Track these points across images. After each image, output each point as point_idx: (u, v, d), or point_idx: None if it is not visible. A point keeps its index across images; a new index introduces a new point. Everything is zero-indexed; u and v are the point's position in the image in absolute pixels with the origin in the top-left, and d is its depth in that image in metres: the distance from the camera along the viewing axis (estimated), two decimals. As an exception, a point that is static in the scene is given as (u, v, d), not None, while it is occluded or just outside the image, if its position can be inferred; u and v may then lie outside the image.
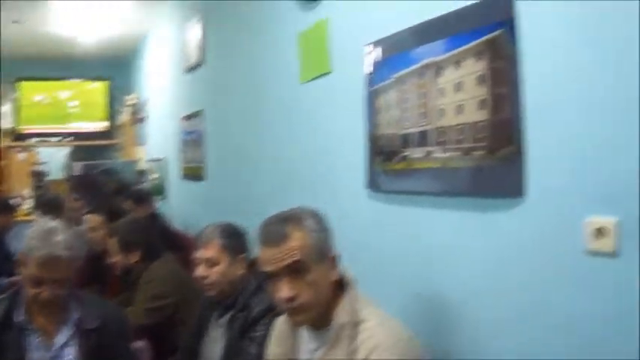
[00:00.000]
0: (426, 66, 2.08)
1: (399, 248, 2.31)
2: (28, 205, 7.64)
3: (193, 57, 5.29)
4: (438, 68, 2.03)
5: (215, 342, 2.42)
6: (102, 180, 7.44)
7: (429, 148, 2.08)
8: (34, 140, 9.59)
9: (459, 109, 1.94)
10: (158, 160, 7.02)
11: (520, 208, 1.74)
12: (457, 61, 1.94)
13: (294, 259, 1.64)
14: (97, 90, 9.81)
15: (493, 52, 1.80)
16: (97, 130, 9.85)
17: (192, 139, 5.40)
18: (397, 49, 2.24)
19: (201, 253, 2.40)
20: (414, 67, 2.14)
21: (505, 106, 1.77)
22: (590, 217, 1.51)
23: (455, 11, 1.96)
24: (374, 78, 2.39)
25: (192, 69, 5.39)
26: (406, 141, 2.20)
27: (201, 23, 5.05)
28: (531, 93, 1.70)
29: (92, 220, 4.06)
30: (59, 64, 9.07)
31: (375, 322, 1.65)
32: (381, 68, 2.33)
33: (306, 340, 1.80)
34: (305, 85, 3.04)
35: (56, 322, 2.13)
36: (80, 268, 2.17)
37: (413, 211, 2.23)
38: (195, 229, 4.64)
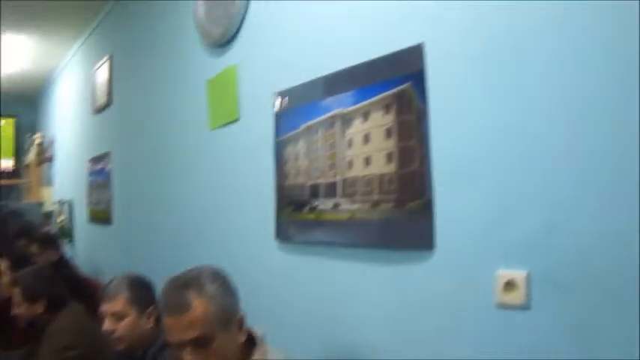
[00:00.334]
0: (335, 117, 2.05)
1: (309, 299, 2.25)
2: None
3: (101, 98, 5.13)
4: (346, 119, 2.01)
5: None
6: (6, 222, 7.10)
7: (338, 200, 2.04)
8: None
9: (367, 161, 1.92)
10: (65, 202, 6.76)
11: (431, 261, 1.73)
12: (365, 113, 1.92)
13: (197, 333, 1.60)
14: (3, 127, 9.41)
15: (401, 105, 1.80)
16: (3, 169, 9.42)
17: (100, 182, 5.22)
18: (306, 99, 2.21)
19: (108, 307, 2.32)
20: (322, 117, 2.12)
21: (413, 159, 1.76)
22: (500, 270, 1.52)
23: (365, 62, 1.96)
24: (283, 127, 2.35)
25: (100, 110, 5.22)
26: (315, 192, 2.16)
27: (110, 64, 4.92)
28: (440, 146, 1.70)
29: (-5, 265, 3.84)
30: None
31: None
32: (290, 117, 2.30)
33: None
34: (214, 132, 2.97)
35: None
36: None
37: (323, 262, 2.18)
38: (104, 275, 4.49)
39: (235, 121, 2.75)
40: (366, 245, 1.96)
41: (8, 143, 9.39)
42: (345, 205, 2.01)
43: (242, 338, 1.70)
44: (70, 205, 6.55)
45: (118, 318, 2.29)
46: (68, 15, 5.36)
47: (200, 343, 1.60)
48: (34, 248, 4.85)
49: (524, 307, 1.47)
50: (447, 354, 1.67)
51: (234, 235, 2.77)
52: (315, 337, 2.20)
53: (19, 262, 3.74)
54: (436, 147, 1.71)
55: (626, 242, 1.27)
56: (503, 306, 1.51)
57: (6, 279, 3.72)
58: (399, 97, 1.80)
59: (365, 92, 1.93)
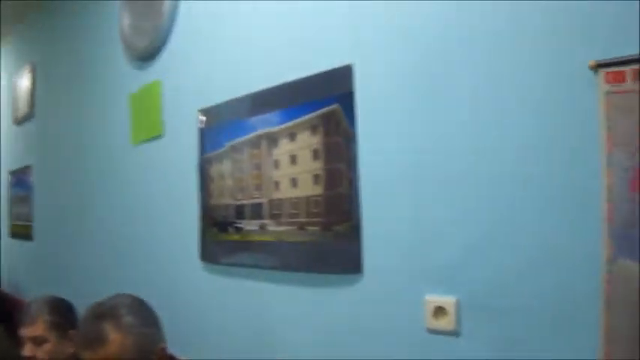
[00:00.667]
0: (261, 136, 2.00)
1: (235, 322, 2.18)
2: None
3: (23, 108, 4.93)
4: (272, 139, 1.95)
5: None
6: None
7: (265, 221, 1.99)
8: None
9: (294, 182, 1.87)
10: (-16, 216, 6.48)
11: (359, 285, 1.70)
12: (292, 134, 1.88)
13: None
14: None
15: (329, 126, 1.76)
16: None
17: (21, 196, 5.01)
18: (232, 116, 2.15)
19: (28, 332, 2.24)
20: (248, 136, 2.06)
21: (341, 182, 1.72)
22: (429, 295, 1.51)
23: (293, 82, 1.91)
24: (208, 144, 2.28)
25: (22, 121, 5.02)
26: (241, 212, 2.10)
27: (32, 73, 4.73)
28: (367, 169, 1.67)
29: None
30: None
31: None
32: (216, 135, 2.23)
33: None
34: (138, 148, 2.86)
35: None
36: None
37: (250, 284, 2.11)
38: (25, 292, 4.33)
39: (159, 137, 2.66)
40: (294, 268, 1.91)
41: None
42: (272, 227, 1.95)
43: None
44: (-10, 219, 6.27)
45: (38, 343, 2.23)
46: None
47: None
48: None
49: (455, 332, 1.46)
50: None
51: (158, 255, 2.67)
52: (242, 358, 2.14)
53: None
54: (364, 169, 1.67)
55: (558, 265, 1.27)
56: (434, 331, 1.50)
57: None
58: (326, 118, 1.76)
59: (292, 112, 1.88)
